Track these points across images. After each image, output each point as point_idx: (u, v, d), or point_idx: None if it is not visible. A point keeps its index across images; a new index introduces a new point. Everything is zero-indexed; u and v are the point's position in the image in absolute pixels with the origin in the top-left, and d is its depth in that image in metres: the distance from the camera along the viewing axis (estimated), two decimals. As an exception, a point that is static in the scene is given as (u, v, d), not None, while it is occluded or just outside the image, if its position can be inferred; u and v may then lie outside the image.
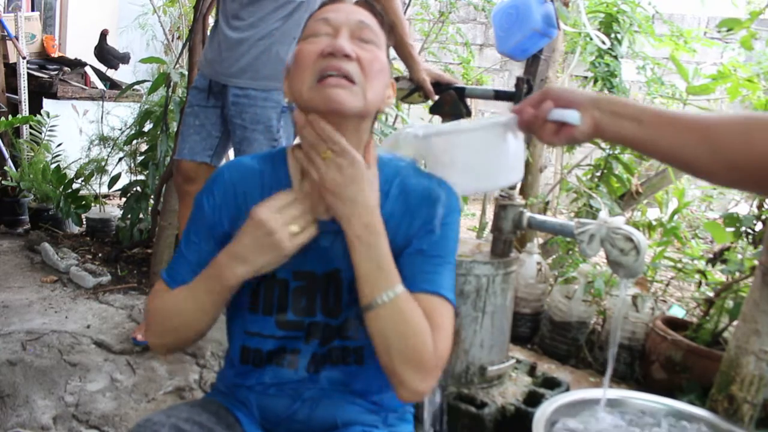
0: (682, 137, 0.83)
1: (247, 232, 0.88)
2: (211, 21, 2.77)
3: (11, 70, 4.28)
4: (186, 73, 2.88)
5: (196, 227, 0.97)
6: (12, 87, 4.27)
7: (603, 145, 2.73)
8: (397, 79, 1.94)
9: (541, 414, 1.31)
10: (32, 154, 3.80)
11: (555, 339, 2.54)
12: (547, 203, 3.06)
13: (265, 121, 1.93)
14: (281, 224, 0.86)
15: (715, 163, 0.81)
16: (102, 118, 3.97)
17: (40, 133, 3.87)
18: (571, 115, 0.87)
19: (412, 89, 1.94)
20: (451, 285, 0.93)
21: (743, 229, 2.19)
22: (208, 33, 2.49)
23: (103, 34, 4.74)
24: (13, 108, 4.23)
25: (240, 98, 1.94)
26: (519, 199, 1.92)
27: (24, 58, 4.22)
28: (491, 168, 1.01)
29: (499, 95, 1.91)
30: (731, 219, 2.19)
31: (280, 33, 1.92)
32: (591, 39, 2.41)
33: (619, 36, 2.71)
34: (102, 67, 4.82)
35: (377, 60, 0.91)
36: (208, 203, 0.97)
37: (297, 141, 0.95)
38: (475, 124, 1.03)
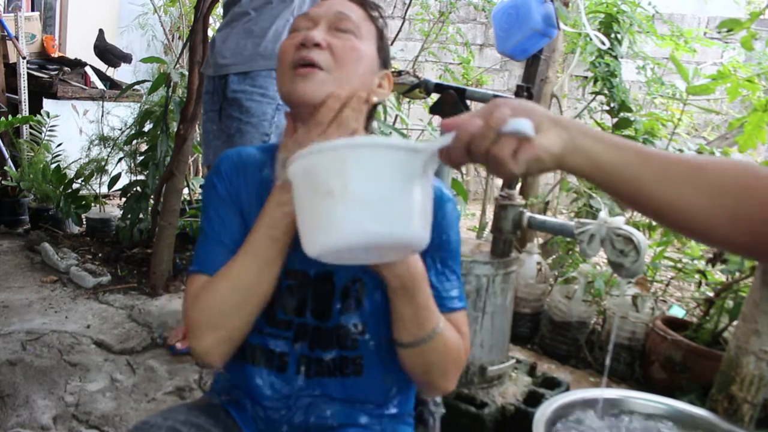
0: (672, 172, 0.65)
1: None
2: (211, 21, 2.77)
3: (11, 70, 4.28)
4: (186, 73, 2.88)
5: (216, 208, 0.96)
6: (12, 87, 4.27)
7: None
8: (399, 73, 1.95)
9: (541, 414, 1.30)
10: (32, 154, 3.79)
11: (555, 339, 2.54)
12: (547, 203, 3.06)
13: (259, 115, 1.99)
14: None
15: (715, 208, 0.64)
16: (102, 118, 3.98)
17: (40, 133, 3.87)
18: (527, 125, 0.65)
19: (413, 84, 1.94)
20: (463, 291, 0.97)
21: (743, 229, 2.18)
22: (210, 34, 2.52)
23: (99, 32, 4.73)
24: (13, 108, 4.22)
25: (237, 93, 2.02)
26: (519, 199, 1.92)
27: (24, 58, 4.22)
28: (401, 207, 0.66)
29: None
30: (731, 219, 2.18)
31: (256, 12, 2.02)
32: (591, 39, 2.41)
33: (619, 36, 2.71)
34: (103, 66, 4.82)
35: (352, 48, 0.91)
36: (219, 182, 0.97)
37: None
38: (382, 140, 0.67)
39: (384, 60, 0.98)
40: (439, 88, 1.93)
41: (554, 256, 2.84)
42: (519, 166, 0.66)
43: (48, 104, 4.22)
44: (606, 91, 2.69)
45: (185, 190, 3.53)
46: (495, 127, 0.66)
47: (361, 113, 0.91)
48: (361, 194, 0.64)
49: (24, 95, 4.23)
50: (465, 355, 0.94)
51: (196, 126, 2.81)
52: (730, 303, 2.20)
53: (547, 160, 0.66)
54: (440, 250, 0.94)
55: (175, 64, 3.44)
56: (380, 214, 0.65)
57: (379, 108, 2.93)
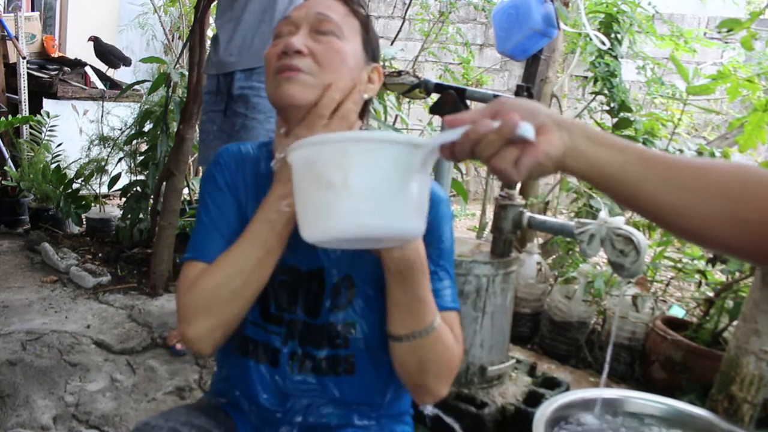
0: (673, 176, 0.65)
1: None
2: (211, 21, 2.77)
3: (11, 70, 4.28)
4: (186, 73, 2.88)
5: (214, 197, 0.96)
6: (12, 87, 4.27)
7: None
8: (399, 73, 1.95)
9: (541, 414, 1.30)
10: (32, 154, 3.80)
11: (555, 339, 2.54)
12: (547, 203, 3.06)
13: (266, 111, 1.99)
14: None
15: (715, 212, 0.63)
16: (102, 118, 3.98)
17: (40, 133, 3.87)
18: (530, 130, 0.65)
19: (413, 84, 1.94)
20: (456, 293, 0.97)
21: (743, 229, 2.19)
22: (209, 34, 2.52)
23: (93, 40, 4.71)
24: (13, 108, 4.23)
25: (245, 90, 2.01)
26: (519, 199, 1.92)
27: (24, 58, 4.22)
28: (399, 201, 0.68)
29: None
30: (731, 219, 2.18)
31: (260, 8, 2.02)
32: (591, 39, 2.41)
33: (619, 36, 2.71)
34: (103, 66, 4.82)
35: (334, 51, 0.90)
36: (218, 172, 0.98)
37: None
38: (384, 135, 0.69)
39: (372, 53, 0.97)
40: (439, 88, 1.93)
41: (554, 256, 2.83)
42: (521, 174, 0.66)
43: (48, 104, 4.22)
44: (606, 91, 2.69)
45: (185, 190, 3.53)
46: (506, 135, 0.65)
47: (359, 107, 0.93)
48: (361, 188, 0.66)
49: (24, 95, 4.23)
50: (459, 357, 0.92)
51: (196, 126, 2.80)
52: (730, 303, 2.20)
53: (547, 164, 0.66)
54: (431, 248, 0.93)
55: (175, 64, 3.44)
56: (378, 208, 0.67)
57: (380, 108, 2.93)
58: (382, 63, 1.05)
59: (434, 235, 0.93)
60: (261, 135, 1.97)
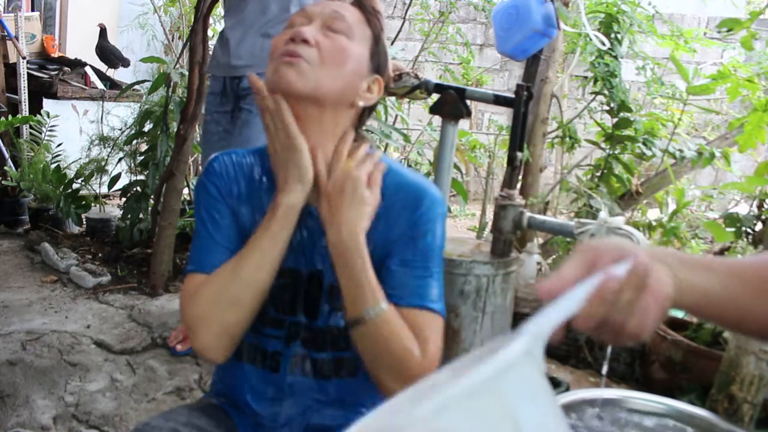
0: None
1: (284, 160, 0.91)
2: (211, 21, 2.77)
3: (11, 70, 4.28)
4: (186, 73, 2.87)
5: (207, 208, 0.95)
6: (12, 87, 4.27)
7: (603, 145, 2.74)
8: (399, 75, 1.95)
9: (541, 414, 1.30)
10: (32, 154, 3.79)
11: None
12: (547, 203, 3.06)
13: None
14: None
15: None
16: (102, 118, 3.98)
17: (40, 133, 3.87)
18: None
19: (413, 86, 1.94)
20: (438, 294, 0.92)
21: (743, 229, 2.19)
22: (210, 34, 2.51)
23: (102, 30, 4.74)
24: (13, 108, 4.22)
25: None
26: (519, 199, 1.91)
27: (24, 58, 4.22)
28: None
29: (498, 100, 1.91)
30: (731, 219, 2.19)
31: (271, 14, 2.01)
32: (591, 39, 2.41)
33: (619, 36, 2.71)
34: (102, 66, 4.82)
35: (341, 49, 0.90)
36: (210, 181, 0.97)
37: None
38: (514, 353, 0.48)
39: (377, 65, 0.96)
40: (439, 88, 1.93)
41: (554, 256, 2.83)
42: (652, 329, 0.58)
43: (48, 104, 4.21)
44: (606, 91, 2.69)
45: (185, 190, 3.53)
46: (640, 285, 0.55)
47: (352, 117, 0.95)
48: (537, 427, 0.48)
49: (24, 95, 4.23)
50: (422, 360, 0.85)
51: (196, 126, 2.80)
52: (730, 303, 2.20)
53: (668, 308, 0.58)
54: (414, 244, 0.91)
55: (175, 64, 3.44)
56: None
57: (380, 108, 2.92)
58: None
59: (420, 228, 0.91)
60: (260, 132, 1.96)
